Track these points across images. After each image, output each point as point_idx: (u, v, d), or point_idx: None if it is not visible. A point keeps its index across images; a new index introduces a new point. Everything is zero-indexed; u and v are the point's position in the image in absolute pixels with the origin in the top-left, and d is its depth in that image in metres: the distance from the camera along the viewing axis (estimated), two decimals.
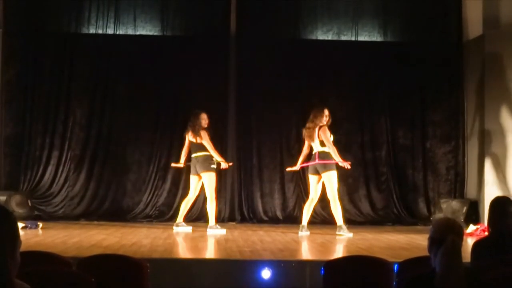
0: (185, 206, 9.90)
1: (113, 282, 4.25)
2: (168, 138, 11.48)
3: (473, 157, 11.32)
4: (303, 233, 9.29)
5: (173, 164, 10.41)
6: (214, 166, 9.61)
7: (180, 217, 9.84)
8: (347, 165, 9.22)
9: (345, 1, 11.80)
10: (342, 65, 11.69)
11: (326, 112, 9.31)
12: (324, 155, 9.16)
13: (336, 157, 9.11)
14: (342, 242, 8.60)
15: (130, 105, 11.48)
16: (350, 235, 9.12)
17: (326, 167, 9.13)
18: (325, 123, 9.25)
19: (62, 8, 11.53)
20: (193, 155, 9.71)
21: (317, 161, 9.18)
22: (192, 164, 9.75)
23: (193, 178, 9.79)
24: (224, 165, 9.87)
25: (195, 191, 9.82)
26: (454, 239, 3.12)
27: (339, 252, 7.92)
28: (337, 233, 9.18)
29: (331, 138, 9.24)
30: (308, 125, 9.38)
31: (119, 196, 11.46)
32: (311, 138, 9.29)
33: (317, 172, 9.24)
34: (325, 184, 9.20)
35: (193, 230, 9.68)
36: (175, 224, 9.82)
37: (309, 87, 11.57)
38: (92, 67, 11.55)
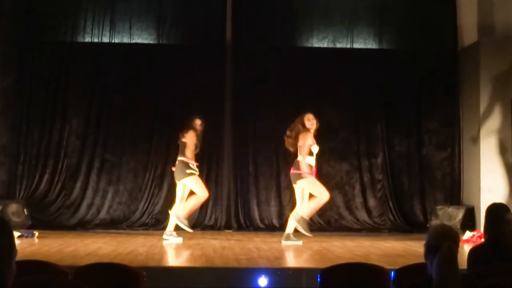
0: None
1: None
2: (165, 146, 11.45)
3: (469, 164, 11.33)
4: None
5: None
6: (190, 170, 9.32)
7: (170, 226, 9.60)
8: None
9: (341, 9, 11.81)
10: (337, 72, 11.68)
11: (309, 116, 9.03)
12: (297, 164, 8.90)
13: (302, 167, 8.74)
14: (338, 250, 8.60)
15: (126, 113, 11.47)
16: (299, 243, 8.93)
17: (297, 177, 8.86)
18: (309, 127, 8.97)
19: (58, 17, 11.53)
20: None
21: (291, 170, 9.02)
22: None
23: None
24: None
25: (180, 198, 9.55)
26: (450, 245, 3.12)
27: (335, 259, 7.91)
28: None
29: (315, 147, 8.97)
30: (287, 133, 9.19)
31: (115, 205, 11.45)
32: (292, 146, 9.12)
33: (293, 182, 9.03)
34: (308, 191, 8.92)
35: (189, 238, 9.65)
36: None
37: (305, 95, 11.56)
38: (88, 75, 11.54)
